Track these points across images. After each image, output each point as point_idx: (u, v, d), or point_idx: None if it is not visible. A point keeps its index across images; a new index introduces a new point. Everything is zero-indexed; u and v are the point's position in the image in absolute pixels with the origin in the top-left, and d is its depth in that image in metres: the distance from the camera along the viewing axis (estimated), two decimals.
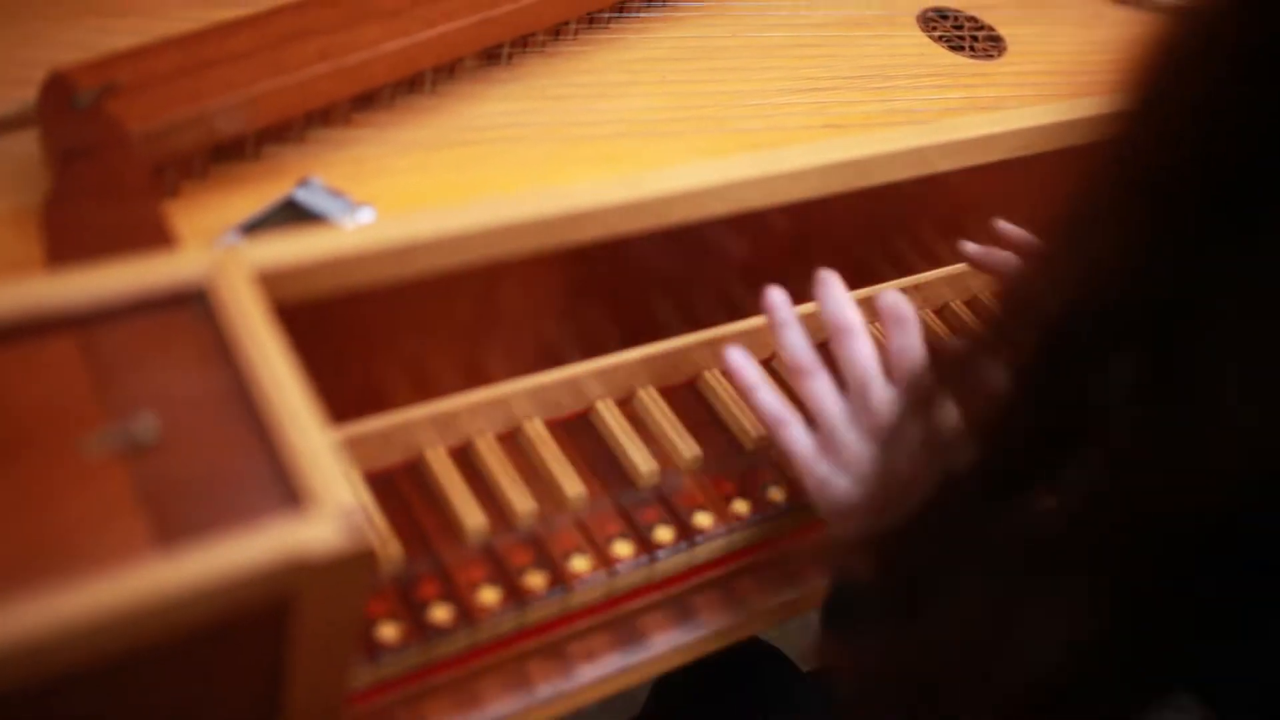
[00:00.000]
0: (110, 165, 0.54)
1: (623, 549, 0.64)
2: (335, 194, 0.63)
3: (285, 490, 0.44)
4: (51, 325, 0.47)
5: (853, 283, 0.75)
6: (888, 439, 0.56)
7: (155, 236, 0.53)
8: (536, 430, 0.67)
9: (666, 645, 0.66)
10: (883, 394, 0.62)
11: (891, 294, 0.65)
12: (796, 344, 0.65)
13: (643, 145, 0.73)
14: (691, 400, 0.73)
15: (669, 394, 0.72)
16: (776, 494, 0.69)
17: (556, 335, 0.65)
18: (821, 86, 0.82)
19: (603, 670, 0.64)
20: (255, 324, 0.48)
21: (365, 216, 0.62)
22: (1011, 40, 0.94)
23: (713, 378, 0.72)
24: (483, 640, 0.60)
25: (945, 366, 0.49)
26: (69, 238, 0.51)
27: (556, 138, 0.72)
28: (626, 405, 0.70)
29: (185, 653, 0.43)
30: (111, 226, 0.52)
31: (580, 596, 0.62)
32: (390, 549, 0.59)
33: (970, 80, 0.88)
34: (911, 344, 0.64)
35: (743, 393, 0.65)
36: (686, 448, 0.68)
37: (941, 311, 0.82)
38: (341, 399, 0.60)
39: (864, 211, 0.72)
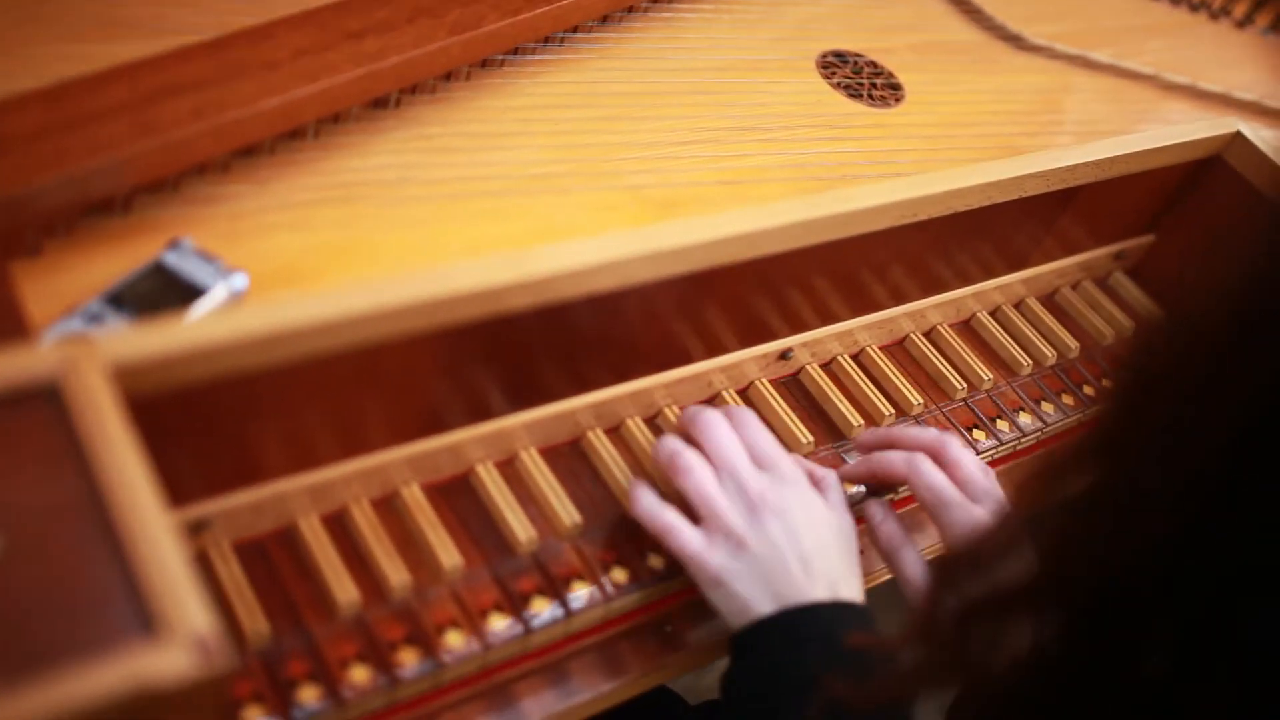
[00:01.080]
0: None
1: (498, 621, 0.64)
2: (206, 258, 0.61)
3: (137, 612, 0.43)
4: None
5: (743, 340, 0.76)
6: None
7: (6, 320, 0.51)
8: (414, 496, 0.66)
9: (541, 712, 0.66)
10: (751, 473, 0.66)
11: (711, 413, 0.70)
12: (671, 442, 0.68)
13: (532, 202, 0.72)
14: (574, 459, 0.73)
15: (550, 454, 0.71)
16: (656, 561, 0.69)
17: (434, 402, 0.64)
18: (718, 137, 0.82)
19: None
20: (109, 427, 0.46)
21: (238, 284, 0.61)
22: (909, 87, 0.94)
23: (595, 437, 0.72)
24: (350, 718, 0.59)
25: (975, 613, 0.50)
26: None
27: (443, 194, 0.71)
28: (508, 467, 0.70)
29: None
30: None
31: (453, 671, 0.62)
32: (258, 624, 0.58)
33: (866, 131, 0.88)
34: (761, 434, 0.70)
35: (635, 512, 0.68)
36: (567, 514, 0.67)
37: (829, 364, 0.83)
38: (209, 473, 0.59)
39: (752, 277, 0.72)
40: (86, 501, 0.45)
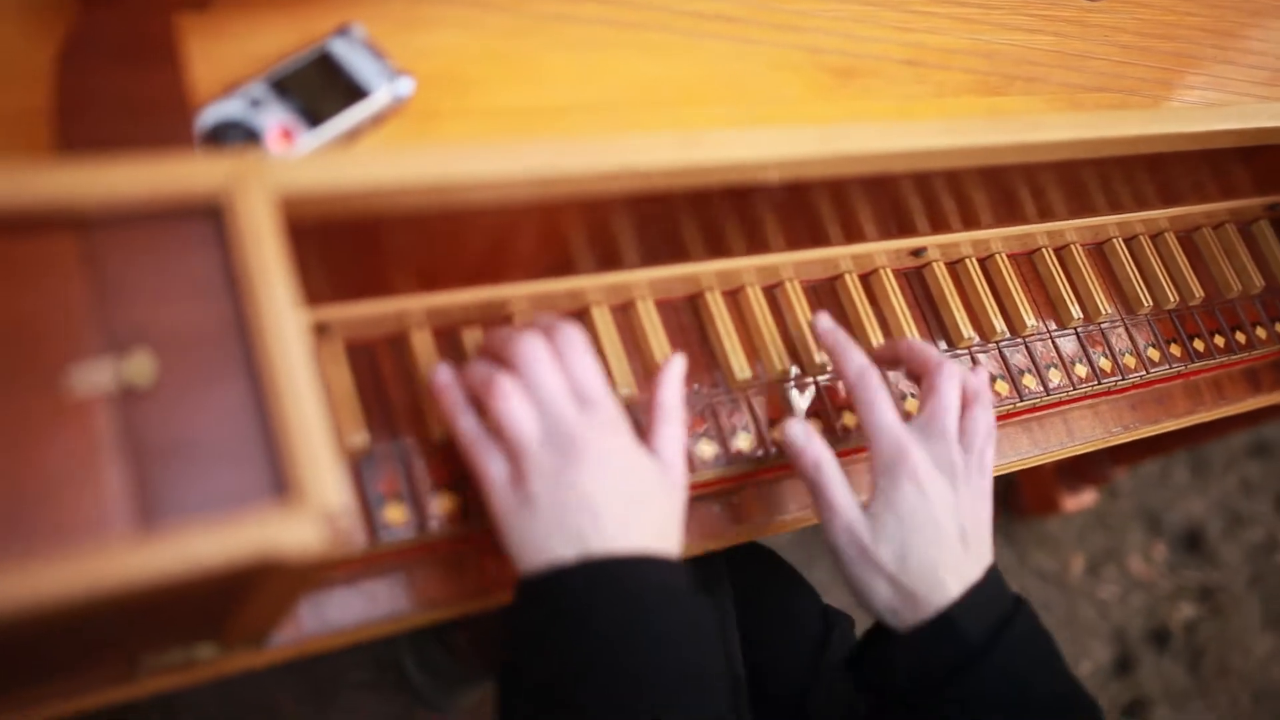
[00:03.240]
0: (135, 13, 0.49)
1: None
2: (375, 54, 0.57)
3: (271, 472, 0.43)
4: (53, 223, 0.43)
5: (882, 232, 0.73)
6: None
7: (173, 116, 0.48)
8: None
9: None
10: (568, 410, 0.58)
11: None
12: (483, 367, 0.60)
13: (708, 45, 0.68)
14: (686, 314, 0.71)
15: (663, 305, 0.70)
16: (744, 441, 0.69)
17: (569, 252, 0.63)
18: (910, 5, 0.76)
19: None
20: (269, 260, 0.44)
21: (403, 89, 0.58)
22: None
23: (712, 299, 0.71)
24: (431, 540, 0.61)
25: None
26: (80, 106, 0.46)
27: (620, 19, 0.66)
28: (620, 313, 0.69)
29: (143, 603, 0.43)
30: (127, 100, 0.47)
31: None
32: (358, 436, 0.59)
33: (1063, 25, 0.82)
34: (587, 366, 0.60)
35: (445, 418, 0.60)
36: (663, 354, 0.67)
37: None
38: (338, 283, 0.58)
39: (911, 182, 0.68)
40: (235, 337, 0.44)
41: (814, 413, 0.73)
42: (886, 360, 0.74)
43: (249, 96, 0.54)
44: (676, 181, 0.57)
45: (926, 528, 0.64)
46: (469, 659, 1.27)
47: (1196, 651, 1.84)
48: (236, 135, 0.53)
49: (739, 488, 0.71)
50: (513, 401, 0.57)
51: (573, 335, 0.60)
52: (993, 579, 0.66)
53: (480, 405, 0.59)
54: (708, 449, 0.68)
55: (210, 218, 0.45)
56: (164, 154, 0.45)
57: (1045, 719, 0.63)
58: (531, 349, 0.58)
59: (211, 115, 0.53)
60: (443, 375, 0.60)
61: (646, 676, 0.54)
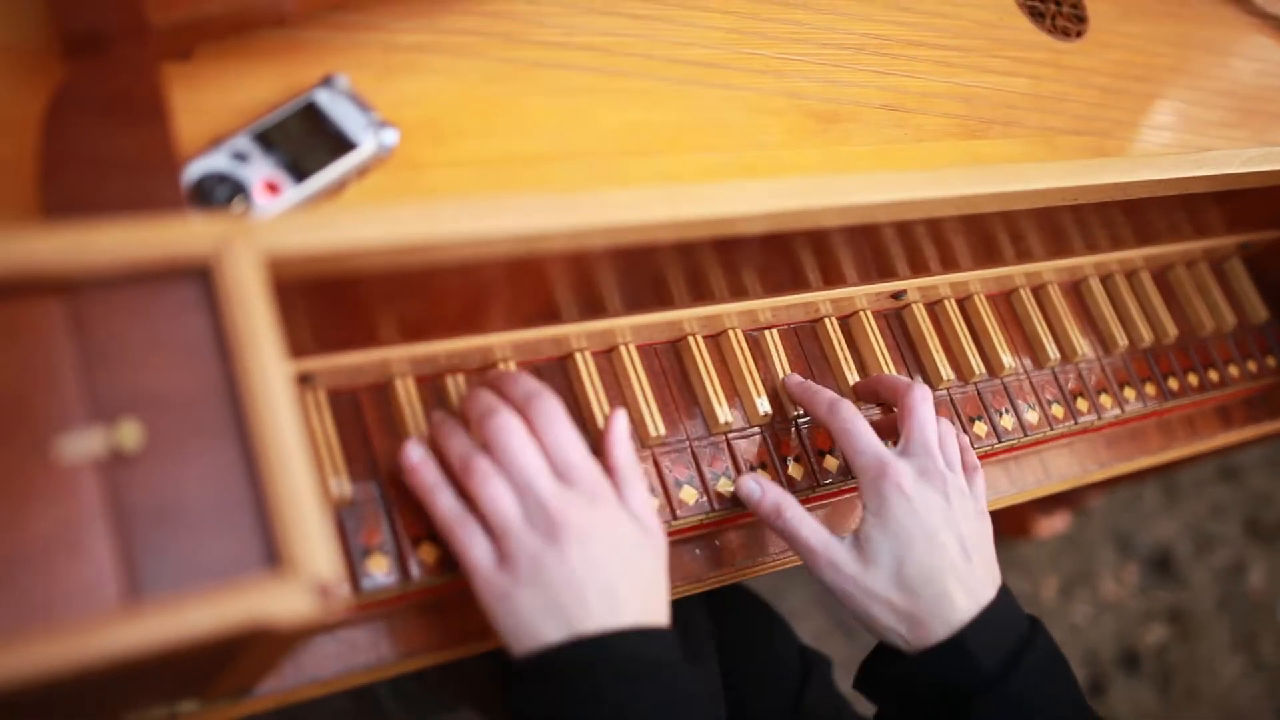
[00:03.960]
0: (122, 69, 0.48)
1: None
2: (360, 105, 0.57)
3: (262, 542, 0.43)
4: (40, 288, 0.43)
5: (862, 276, 0.74)
6: None
7: (159, 172, 0.48)
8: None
9: None
10: (550, 490, 0.57)
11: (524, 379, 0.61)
12: (459, 444, 0.59)
13: (691, 90, 0.68)
14: (668, 359, 0.72)
15: (645, 350, 0.70)
16: (724, 487, 0.69)
17: (554, 302, 0.63)
18: (889, 49, 0.77)
19: None
20: (257, 324, 0.44)
21: (388, 140, 0.57)
22: (1095, 20, 0.88)
23: (694, 342, 0.71)
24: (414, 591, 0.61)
25: None
26: (65, 163, 0.46)
27: (601, 66, 0.66)
28: (603, 358, 0.69)
29: (131, 670, 0.43)
30: (114, 156, 0.47)
31: None
32: (343, 488, 0.59)
33: (1039, 69, 0.83)
34: (564, 435, 0.59)
35: (420, 496, 0.59)
36: (653, 425, 0.67)
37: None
38: (322, 335, 0.58)
39: (891, 230, 0.69)
40: (224, 401, 0.44)
41: (794, 457, 0.73)
42: (864, 395, 0.75)
43: (234, 150, 0.54)
44: (660, 236, 0.57)
45: (920, 539, 0.63)
46: (440, 687, 1.27)
47: (1166, 674, 1.85)
48: (223, 190, 0.52)
49: (719, 531, 0.72)
50: (490, 485, 0.57)
51: (549, 406, 0.59)
52: (1005, 600, 0.65)
53: (457, 481, 0.59)
54: (690, 494, 0.69)
55: (198, 280, 0.45)
56: (151, 215, 0.45)
57: None
58: (507, 427, 0.58)
59: (197, 169, 0.53)
60: (414, 454, 0.59)
61: None
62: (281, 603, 0.41)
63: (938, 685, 0.63)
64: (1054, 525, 1.76)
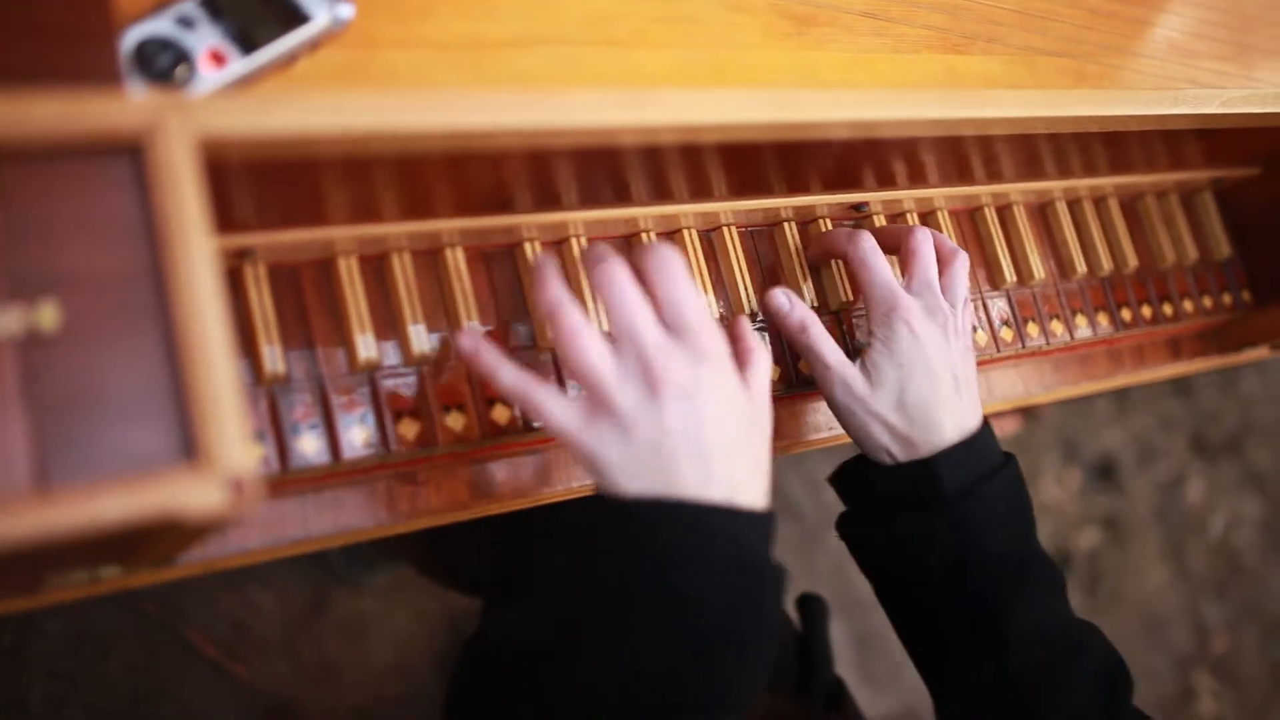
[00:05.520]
0: None
1: (501, 413, 0.64)
2: None
3: (178, 432, 0.42)
4: None
5: (826, 186, 0.73)
6: None
7: (96, 37, 0.46)
8: (455, 259, 0.64)
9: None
10: (656, 341, 0.55)
11: (654, 245, 0.59)
12: (555, 293, 0.56)
13: None
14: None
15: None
16: None
17: (507, 193, 0.62)
18: None
19: None
20: (188, 209, 0.43)
21: (343, 14, 0.55)
22: None
23: (647, 240, 0.70)
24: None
25: None
26: None
27: None
28: (555, 248, 0.68)
29: (47, 548, 0.43)
30: (44, 22, 0.45)
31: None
32: (277, 366, 0.58)
33: None
34: (681, 290, 0.57)
35: (486, 377, 0.59)
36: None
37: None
38: (262, 212, 0.56)
39: (862, 145, 0.68)
40: (148, 287, 0.43)
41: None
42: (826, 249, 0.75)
43: (179, 14, 0.52)
44: (619, 140, 0.56)
45: (921, 370, 0.68)
46: (385, 541, 1.29)
47: (1095, 576, 1.91)
48: (165, 58, 0.51)
49: None
50: (583, 340, 0.55)
51: (668, 257, 0.57)
52: (984, 434, 0.70)
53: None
54: None
55: (128, 158, 0.44)
56: (82, 85, 0.43)
57: (984, 574, 0.67)
58: (614, 275, 0.56)
59: (138, 34, 0.51)
60: (467, 341, 0.59)
61: (698, 640, 0.53)
62: (194, 496, 0.41)
63: (901, 495, 0.69)
64: (1004, 427, 1.78)
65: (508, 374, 0.57)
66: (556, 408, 0.56)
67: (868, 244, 0.71)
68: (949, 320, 0.70)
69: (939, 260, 0.72)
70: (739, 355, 0.61)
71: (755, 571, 0.56)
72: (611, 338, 0.56)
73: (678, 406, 0.54)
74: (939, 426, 0.68)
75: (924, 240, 0.72)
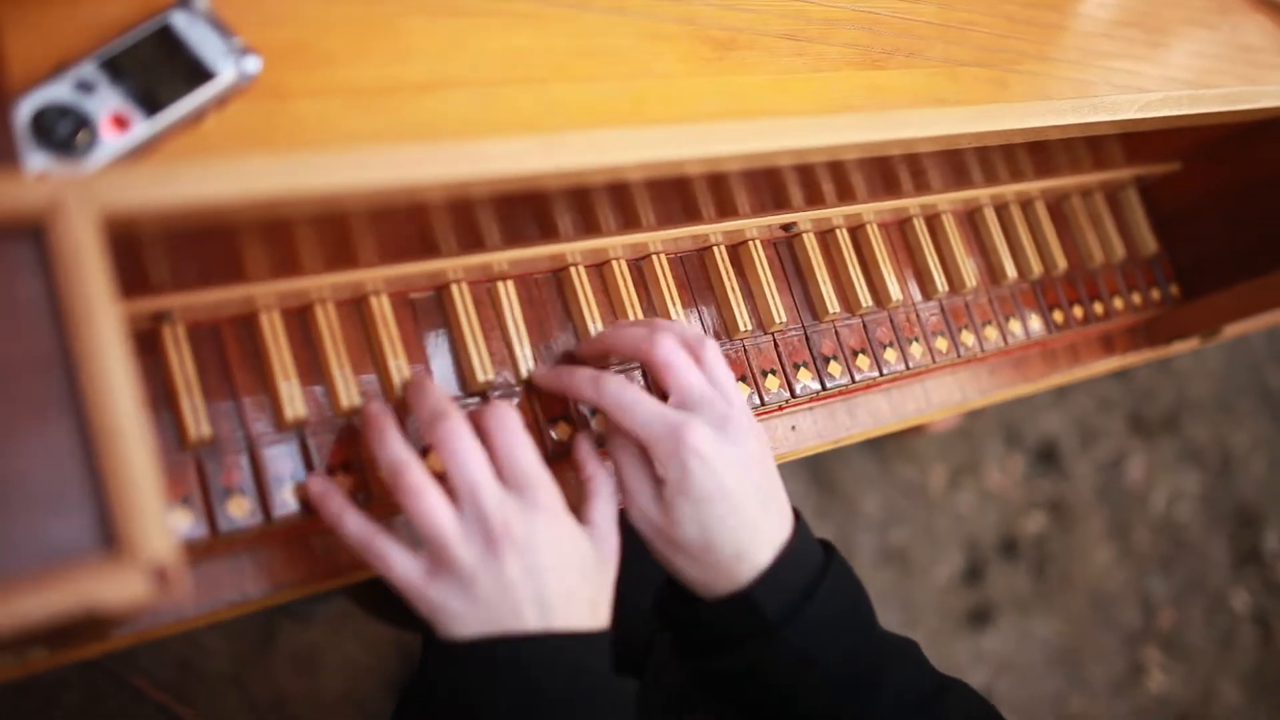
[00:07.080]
0: None
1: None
2: (219, 28, 0.54)
3: (95, 521, 0.41)
4: None
5: (755, 209, 0.72)
6: None
7: None
8: (381, 306, 0.63)
9: None
10: (494, 498, 0.57)
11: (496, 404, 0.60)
12: (396, 451, 0.58)
13: (580, 15, 0.65)
14: (548, 289, 0.70)
15: (524, 282, 0.69)
16: (560, 432, 0.69)
17: (426, 240, 0.61)
18: None
19: None
20: (93, 290, 0.42)
21: (249, 68, 0.54)
22: None
23: (576, 273, 0.70)
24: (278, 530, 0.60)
25: None
26: None
27: (481, 9, 0.63)
28: (480, 288, 0.67)
29: None
30: None
31: None
32: (202, 429, 0.57)
33: None
34: (517, 445, 0.59)
35: (329, 525, 0.59)
36: (524, 359, 0.66)
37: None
38: (177, 274, 0.55)
39: (788, 169, 0.67)
40: (58, 371, 0.42)
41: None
42: (594, 358, 0.69)
43: (78, 78, 0.50)
44: (539, 184, 0.55)
45: (720, 501, 0.62)
46: None
47: (1043, 560, 1.93)
48: (65, 125, 0.49)
49: None
50: (427, 500, 0.56)
51: (504, 412, 0.59)
52: (799, 538, 0.65)
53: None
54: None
55: (31, 240, 0.42)
56: None
57: (835, 682, 0.64)
58: (456, 432, 0.57)
59: (35, 101, 0.49)
60: (316, 485, 0.59)
61: None
62: (115, 589, 0.40)
63: (727, 630, 0.64)
64: (947, 421, 1.79)
65: (352, 523, 0.58)
66: (398, 563, 0.57)
67: (613, 385, 0.64)
68: (732, 421, 0.63)
69: (692, 356, 0.65)
70: (582, 485, 0.64)
71: (609, 688, 0.58)
72: (452, 494, 0.57)
73: (516, 560, 0.56)
74: (750, 552, 0.63)
75: (670, 347, 0.64)
